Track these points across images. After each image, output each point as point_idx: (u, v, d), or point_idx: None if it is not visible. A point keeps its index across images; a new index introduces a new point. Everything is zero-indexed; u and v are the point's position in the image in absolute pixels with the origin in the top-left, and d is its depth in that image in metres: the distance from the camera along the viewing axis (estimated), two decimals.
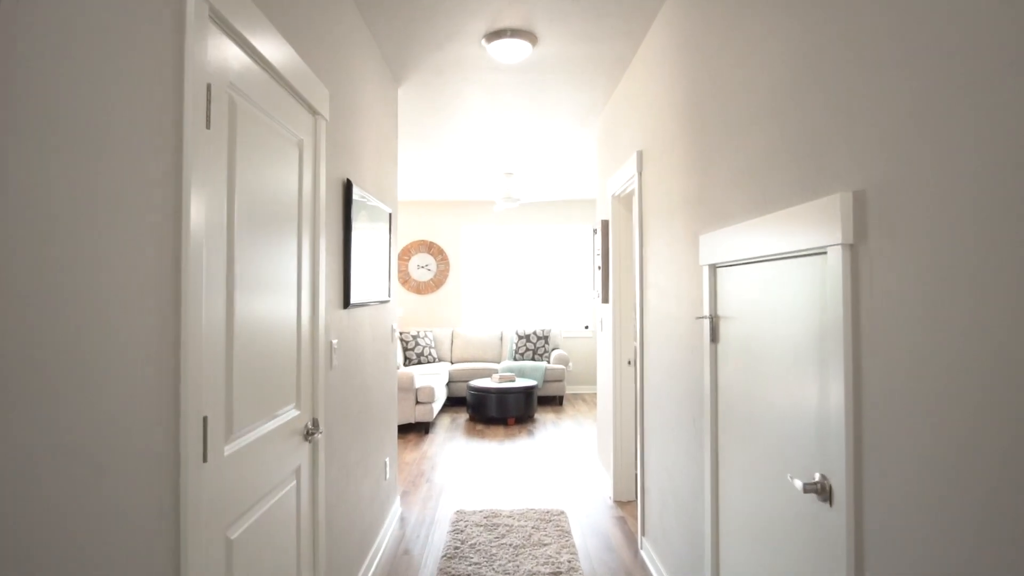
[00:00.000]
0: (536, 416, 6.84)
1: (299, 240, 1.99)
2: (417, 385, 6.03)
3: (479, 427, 6.33)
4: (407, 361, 7.78)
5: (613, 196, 4.03)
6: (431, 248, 8.50)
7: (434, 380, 6.33)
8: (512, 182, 7.00)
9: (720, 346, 2.06)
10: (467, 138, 5.16)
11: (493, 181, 7.08)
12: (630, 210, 4.08)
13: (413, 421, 5.99)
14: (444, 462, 5.02)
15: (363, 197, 2.85)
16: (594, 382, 8.51)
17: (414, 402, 6.01)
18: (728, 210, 2.01)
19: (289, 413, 1.89)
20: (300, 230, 2.00)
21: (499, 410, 6.37)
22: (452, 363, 8.09)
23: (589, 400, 7.88)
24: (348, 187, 2.58)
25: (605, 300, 4.28)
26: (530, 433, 6.04)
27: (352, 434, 2.65)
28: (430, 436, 5.94)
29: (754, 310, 1.77)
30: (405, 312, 8.52)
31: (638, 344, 3.30)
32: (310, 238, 2.10)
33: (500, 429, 6.22)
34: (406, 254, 8.49)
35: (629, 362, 4.04)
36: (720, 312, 2.05)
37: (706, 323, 2.14)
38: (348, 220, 2.59)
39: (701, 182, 2.28)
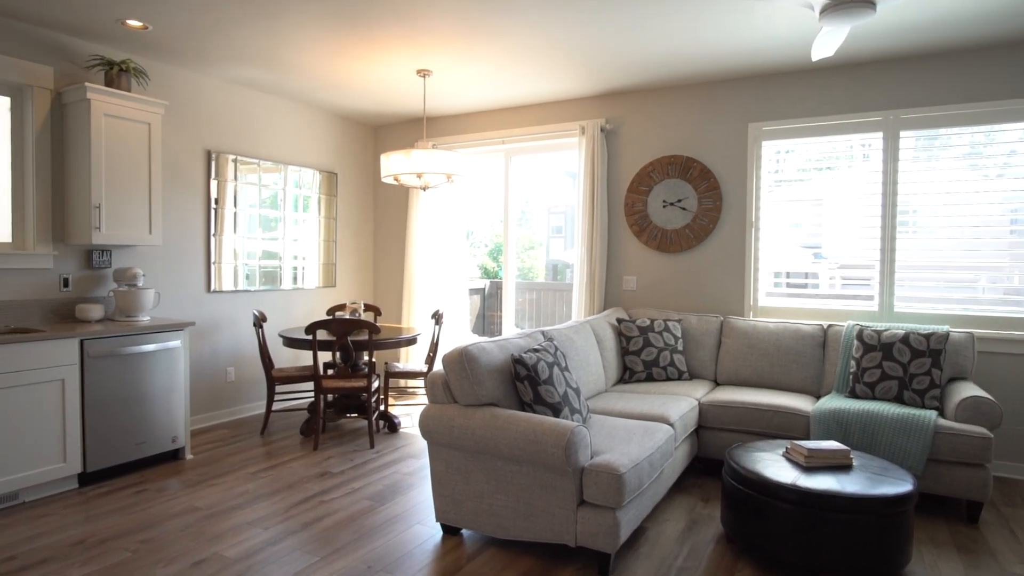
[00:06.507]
0: (908, 569, 2.66)
1: None
2: (586, 461, 2.53)
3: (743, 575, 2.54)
4: (627, 374, 4.23)
5: None
6: (688, 169, 4.69)
7: (641, 443, 2.73)
8: None
9: None
10: None
11: None
12: None
13: (573, 544, 2.53)
14: None
15: None
16: None
17: (575, 499, 2.53)
18: None
19: None
20: None
21: (802, 546, 2.46)
22: (717, 382, 4.27)
23: None
24: None
25: None
26: None
27: None
28: None
29: None
30: (639, 283, 4.93)
31: None
32: None
33: None
34: (644, 180, 4.85)
35: None
36: None
37: None
38: None
39: None
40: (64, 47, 3.77)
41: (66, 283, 3.81)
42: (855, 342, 3.71)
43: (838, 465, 2.67)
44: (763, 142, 4.47)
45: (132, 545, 2.74)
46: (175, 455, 3.92)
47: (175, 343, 3.83)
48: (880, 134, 4.10)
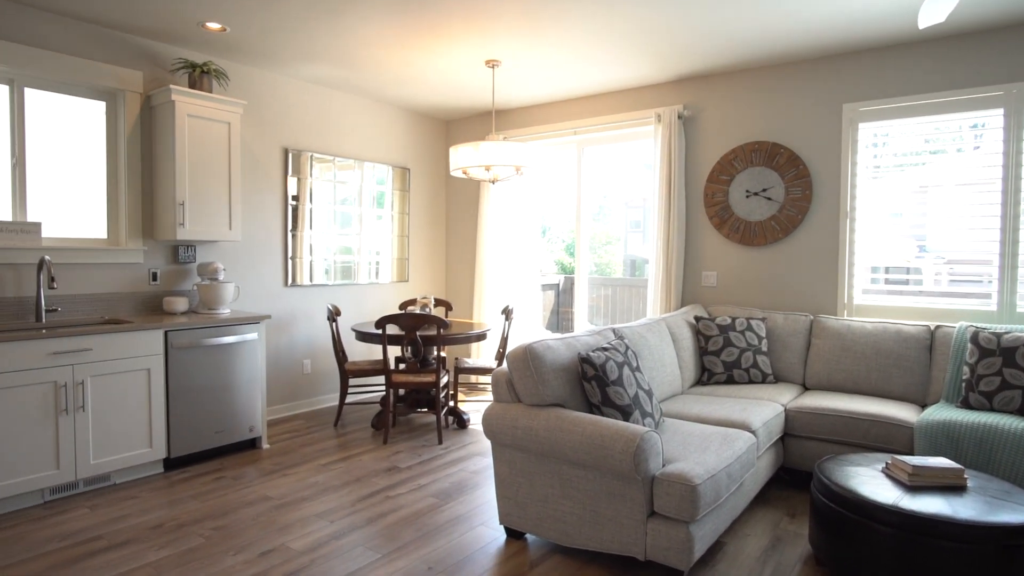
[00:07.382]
0: None
1: None
2: (657, 469, 2.35)
3: None
4: (705, 376, 3.99)
5: None
6: (774, 156, 4.36)
7: (719, 452, 2.52)
8: None
9: None
10: None
11: None
12: None
13: (642, 557, 2.36)
14: None
15: None
16: None
17: (645, 509, 2.36)
18: None
19: None
20: None
21: None
22: (806, 387, 3.95)
23: None
24: None
25: None
26: None
27: None
28: None
29: None
30: (719, 279, 4.64)
31: None
32: None
33: None
34: (725, 169, 4.56)
35: None
36: None
37: None
38: None
39: None
40: (151, 52, 3.96)
41: (155, 277, 4.01)
42: (969, 346, 3.31)
43: (949, 485, 2.36)
44: (860, 124, 4.08)
45: (206, 531, 2.82)
46: (252, 444, 4.04)
47: (253, 335, 3.95)
48: (1000, 111, 3.63)
